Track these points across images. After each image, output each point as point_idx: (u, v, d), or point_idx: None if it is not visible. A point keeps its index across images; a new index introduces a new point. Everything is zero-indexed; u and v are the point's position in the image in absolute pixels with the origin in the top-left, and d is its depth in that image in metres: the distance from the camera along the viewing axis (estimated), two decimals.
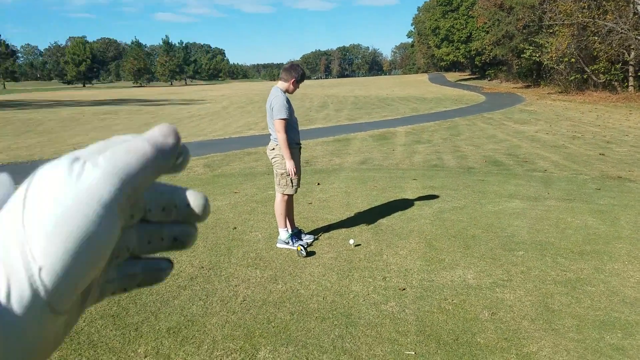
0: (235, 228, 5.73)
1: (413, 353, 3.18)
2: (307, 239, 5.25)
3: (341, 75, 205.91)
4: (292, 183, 4.99)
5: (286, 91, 4.94)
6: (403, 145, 13.23)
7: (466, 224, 5.90)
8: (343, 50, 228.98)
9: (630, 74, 34.24)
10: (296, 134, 5.00)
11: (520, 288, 4.14)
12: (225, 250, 5.01)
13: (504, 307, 3.81)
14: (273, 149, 4.98)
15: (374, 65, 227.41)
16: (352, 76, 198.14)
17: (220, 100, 38.82)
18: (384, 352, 3.20)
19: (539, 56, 38.99)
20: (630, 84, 34.30)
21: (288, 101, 4.84)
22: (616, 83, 35.12)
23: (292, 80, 4.92)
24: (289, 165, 4.84)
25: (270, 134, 5.06)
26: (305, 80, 5.20)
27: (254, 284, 4.26)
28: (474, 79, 67.18)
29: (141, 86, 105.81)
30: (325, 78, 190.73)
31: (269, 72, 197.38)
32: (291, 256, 4.87)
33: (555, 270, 4.52)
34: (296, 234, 5.18)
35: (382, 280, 4.31)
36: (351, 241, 5.13)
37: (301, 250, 4.82)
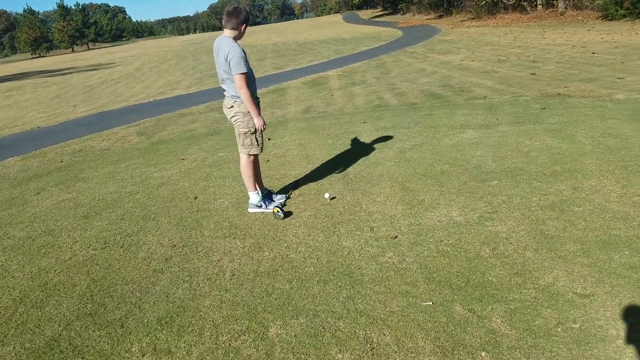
0: (196, 198, 5.34)
1: (430, 303, 3.03)
2: (278, 199, 4.96)
3: (253, 23, 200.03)
4: (257, 141, 4.62)
5: (235, 39, 4.47)
6: (339, 89, 12.96)
7: (431, 161, 5.80)
8: None
9: None
10: (255, 88, 4.60)
11: (508, 218, 4.08)
12: (194, 224, 4.64)
13: (501, 240, 3.73)
14: (231, 106, 4.56)
15: (285, 10, 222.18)
16: (264, 23, 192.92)
17: (131, 61, 36.78)
18: (401, 307, 3.03)
19: None
20: (538, 3, 35.22)
21: (244, 52, 4.40)
22: (525, 3, 35.97)
23: (243, 26, 4.44)
24: (259, 122, 4.46)
25: (224, 91, 4.61)
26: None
27: (237, 255, 3.95)
28: (387, 14, 67.08)
29: (41, 56, 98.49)
30: None
31: (177, 26, 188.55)
32: (268, 220, 4.58)
33: (536, 195, 4.49)
34: (267, 196, 4.88)
35: (370, 231, 4.12)
36: (326, 195, 4.90)
37: (278, 212, 4.53)
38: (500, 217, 4.13)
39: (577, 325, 2.70)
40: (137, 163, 7.05)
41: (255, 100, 4.56)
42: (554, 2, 34.06)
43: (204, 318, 3.15)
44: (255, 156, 4.74)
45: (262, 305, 3.22)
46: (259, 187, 4.87)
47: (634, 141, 5.70)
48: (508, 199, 4.47)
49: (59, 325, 3.22)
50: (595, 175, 4.80)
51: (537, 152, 5.70)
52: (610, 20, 25.69)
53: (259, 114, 4.47)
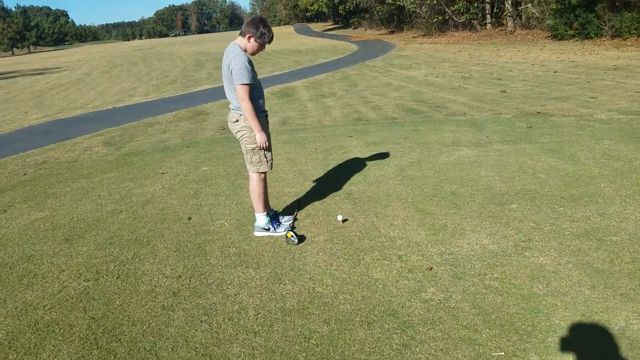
0: (190, 218, 4.81)
1: (502, 353, 2.67)
2: (286, 221, 4.51)
3: (201, 31, 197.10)
4: (266, 158, 4.18)
5: (245, 50, 4.03)
6: (310, 100, 12.59)
7: (436, 180, 5.49)
8: (199, 4, 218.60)
9: (487, 12, 36.08)
10: (262, 100, 4.15)
11: (547, 248, 3.79)
12: (196, 250, 4.12)
13: (550, 275, 3.42)
14: (237, 120, 4.10)
15: (234, 19, 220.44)
16: (212, 31, 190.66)
17: (78, 66, 35.24)
18: (469, 357, 2.65)
19: (403, 0, 39.72)
20: (488, 22, 36.20)
21: (250, 62, 3.96)
22: (475, 22, 36.88)
23: (248, 36, 3.98)
24: (260, 138, 4.01)
25: (230, 103, 4.16)
26: (267, 44, 4.05)
27: (255, 288, 3.48)
28: (338, 28, 67.56)
29: None
30: (185, 35, 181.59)
31: (121, 31, 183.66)
32: (279, 245, 4.12)
33: (564, 221, 4.23)
34: (273, 217, 4.42)
35: (399, 261, 3.74)
36: (339, 217, 4.48)
37: (292, 237, 4.08)
38: (537, 246, 3.84)
39: None
40: (112, 177, 6.40)
41: (262, 114, 4.13)
42: (503, 21, 35.08)
43: None
44: (265, 174, 4.29)
45: (303, 354, 2.76)
46: (267, 207, 4.42)
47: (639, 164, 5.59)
48: (537, 226, 4.19)
49: None
50: (617, 201, 4.60)
51: (545, 173, 5.49)
52: (560, 40, 26.56)
53: (262, 129, 4.02)
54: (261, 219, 4.29)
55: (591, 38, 24.66)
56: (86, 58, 43.79)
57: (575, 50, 21.85)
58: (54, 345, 2.93)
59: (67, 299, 3.44)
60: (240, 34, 4.03)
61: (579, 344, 2.69)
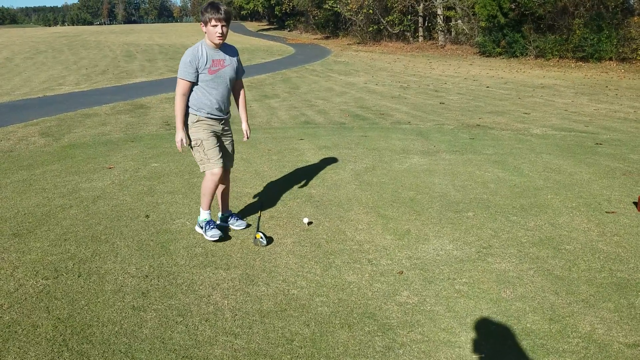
0: (148, 216, 4.63)
1: (483, 355, 2.76)
2: (237, 226, 4.36)
3: (128, 21, 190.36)
4: (207, 156, 3.92)
5: (212, 42, 3.86)
6: (254, 100, 12.49)
7: (393, 186, 5.61)
8: None
9: (420, 25, 37.24)
10: (218, 100, 3.92)
11: (507, 255, 3.96)
12: (160, 249, 3.98)
13: (515, 280, 3.58)
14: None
15: (164, 11, 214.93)
16: (140, 22, 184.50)
17: None
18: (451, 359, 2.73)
19: (340, 7, 40.23)
20: (420, 35, 37.37)
21: (203, 55, 3.78)
22: (408, 34, 37.96)
23: (201, 25, 3.86)
24: (177, 136, 3.89)
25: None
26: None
27: (229, 290, 3.41)
28: (273, 29, 67.36)
29: None
30: (110, 24, 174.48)
31: (43, 16, 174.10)
32: (248, 246, 4.05)
33: (519, 230, 4.44)
34: (224, 220, 4.37)
35: (369, 264, 3.78)
36: (305, 220, 4.48)
37: (261, 238, 4.02)
38: (497, 252, 4.01)
39: None
40: (55, 170, 6.05)
41: (217, 115, 3.96)
42: (435, 35, 36.38)
43: None
44: (220, 173, 4.06)
45: (288, 356, 2.73)
46: (222, 207, 4.36)
47: (579, 177, 5.95)
48: (495, 233, 4.37)
49: None
50: (564, 212, 4.88)
51: (494, 183, 5.74)
52: (488, 56, 27.86)
53: (182, 128, 3.87)
54: (201, 214, 4.13)
55: (517, 56, 26.04)
56: (5, 42, 41.15)
57: (502, 67, 22.98)
58: (19, 347, 2.73)
59: (26, 298, 3.22)
60: None
61: (551, 346, 2.83)
